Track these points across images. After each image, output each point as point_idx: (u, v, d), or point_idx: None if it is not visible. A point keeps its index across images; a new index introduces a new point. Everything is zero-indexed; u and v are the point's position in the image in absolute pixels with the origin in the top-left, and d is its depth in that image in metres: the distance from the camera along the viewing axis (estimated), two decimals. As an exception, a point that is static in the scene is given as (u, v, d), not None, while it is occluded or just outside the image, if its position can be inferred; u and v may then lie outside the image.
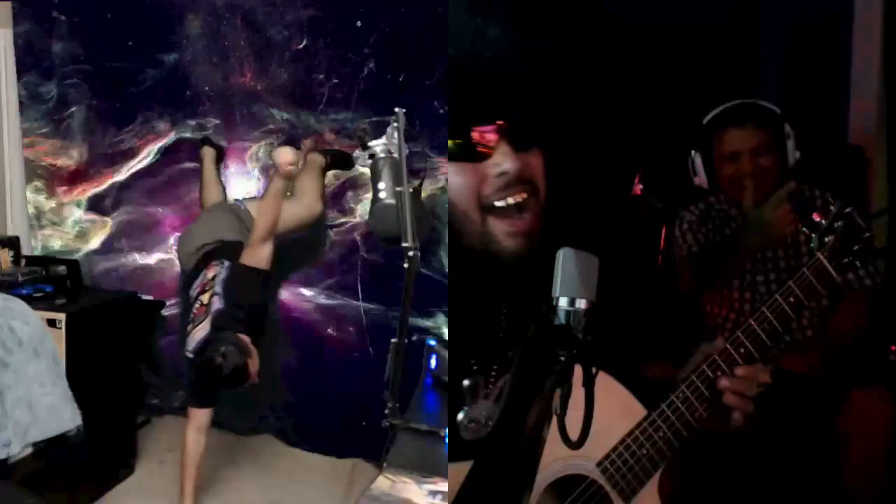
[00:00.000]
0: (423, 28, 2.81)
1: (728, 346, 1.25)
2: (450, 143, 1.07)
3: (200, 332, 2.43)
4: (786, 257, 2.15)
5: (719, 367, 1.23)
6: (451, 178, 1.07)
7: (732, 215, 2.24)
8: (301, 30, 2.97)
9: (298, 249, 2.85)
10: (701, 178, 2.23)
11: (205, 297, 2.49)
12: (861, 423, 1.92)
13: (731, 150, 2.13)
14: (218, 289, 2.49)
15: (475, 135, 1.06)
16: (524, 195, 1.08)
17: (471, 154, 1.06)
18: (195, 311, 2.50)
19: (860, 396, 1.97)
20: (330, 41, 2.95)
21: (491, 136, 1.06)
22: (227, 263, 2.55)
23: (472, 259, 1.10)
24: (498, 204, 1.07)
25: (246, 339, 2.38)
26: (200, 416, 2.49)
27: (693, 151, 2.24)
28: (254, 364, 2.36)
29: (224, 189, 3.05)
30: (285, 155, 2.52)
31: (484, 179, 1.07)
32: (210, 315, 2.43)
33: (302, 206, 2.76)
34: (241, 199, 2.97)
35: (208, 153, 3.05)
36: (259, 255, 2.49)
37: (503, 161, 1.06)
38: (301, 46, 2.98)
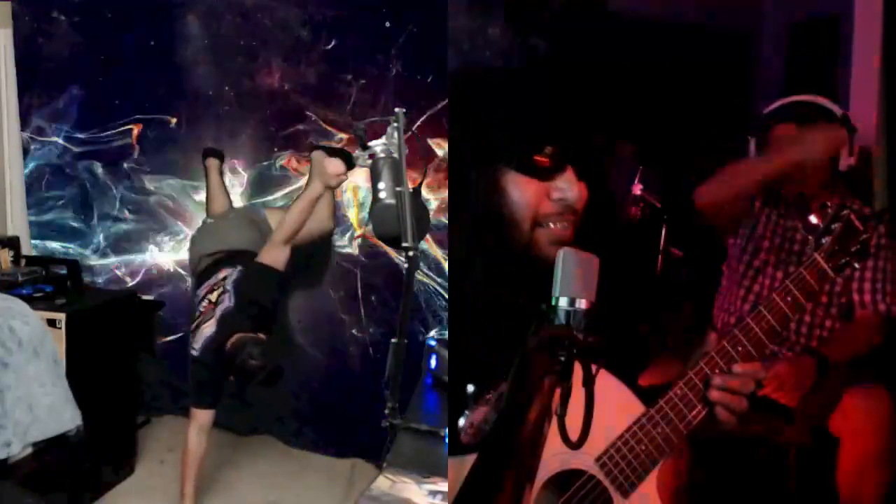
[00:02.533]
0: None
1: (726, 344, 1.26)
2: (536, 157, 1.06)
3: (208, 329, 2.44)
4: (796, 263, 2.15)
5: (717, 366, 1.24)
6: (511, 189, 1.07)
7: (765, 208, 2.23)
8: (330, 30, 2.96)
9: (303, 268, 2.83)
10: None
11: (213, 296, 2.50)
12: (854, 423, 1.92)
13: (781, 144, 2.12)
14: (229, 286, 2.49)
15: (547, 151, 1.06)
16: (568, 223, 1.09)
17: (536, 171, 1.06)
18: (202, 308, 2.51)
19: (852, 396, 1.97)
20: (358, 42, 2.94)
21: (561, 159, 1.06)
22: (239, 266, 2.55)
23: (510, 261, 1.10)
24: (550, 226, 1.08)
25: (263, 337, 2.39)
26: (202, 417, 2.49)
27: (749, 137, 2.24)
28: (278, 356, 2.39)
29: (229, 197, 3.04)
30: (337, 166, 2.48)
31: (543, 199, 1.07)
32: (218, 312, 2.44)
33: (314, 221, 2.72)
34: (259, 205, 2.95)
35: (213, 164, 3.03)
36: (277, 256, 2.49)
37: (567, 188, 1.06)
38: (329, 47, 2.97)
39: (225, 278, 2.54)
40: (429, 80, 2.87)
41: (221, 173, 3.05)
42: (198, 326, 2.48)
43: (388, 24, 2.88)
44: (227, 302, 2.46)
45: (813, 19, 3.35)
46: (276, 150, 3.12)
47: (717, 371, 1.23)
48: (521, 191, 1.07)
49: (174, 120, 3.18)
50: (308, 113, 3.03)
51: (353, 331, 3.04)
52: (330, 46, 2.95)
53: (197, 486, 2.53)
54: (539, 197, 1.07)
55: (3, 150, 3.29)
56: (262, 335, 2.40)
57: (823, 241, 1.33)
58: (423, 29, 2.83)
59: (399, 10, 2.86)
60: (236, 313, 2.43)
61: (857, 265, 1.34)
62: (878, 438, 1.89)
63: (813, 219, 1.37)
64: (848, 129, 2.11)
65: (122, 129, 3.20)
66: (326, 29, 2.95)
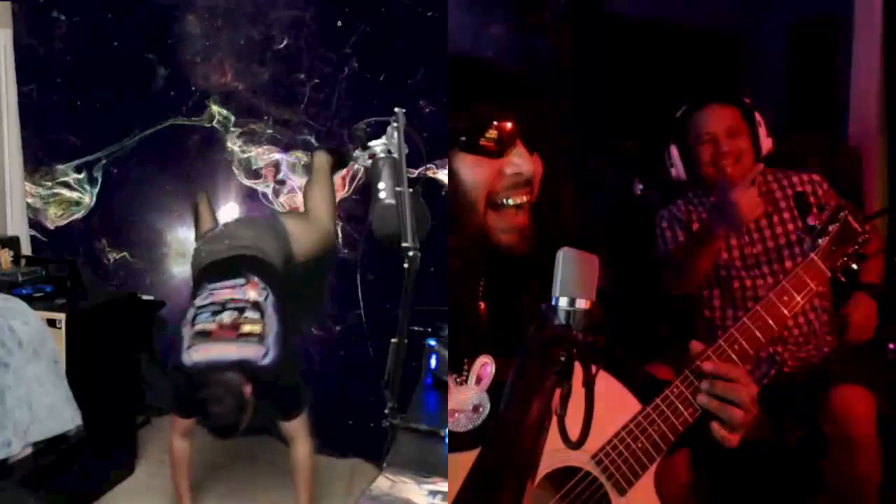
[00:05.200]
0: (404, 27, 2.81)
1: (722, 343, 1.26)
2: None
3: (223, 352, 2.19)
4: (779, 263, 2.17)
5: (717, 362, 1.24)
6: (462, 171, 1.10)
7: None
8: (282, 30, 2.96)
9: (303, 291, 2.69)
10: (678, 170, 2.26)
11: (229, 318, 2.24)
12: (840, 422, 1.93)
13: (707, 130, 2.17)
14: (269, 316, 2.27)
15: (493, 132, 1.09)
16: (525, 197, 1.12)
17: (486, 150, 1.10)
18: (213, 325, 2.23)
19: (839, 394, 1.98)
20: (311, 41, 2.93)
21: (509, 135, 1.10)
22: (271, 293, 2.33)
23: (470, 250, 1.13)
24: (506, 202, 1.11)
25: (248, 392, 2.19)
26: (182, 424, 2.35)
27: (669, 144, 2.26)
28: (246, 419, 2.20)
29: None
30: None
31: (498, 176, 1.10)
32: (245, 347, 2.21)
33: (315, 228, 2.59)
34: (277, 211, 2.88)
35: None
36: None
37: (521, 162, 1.10)
38: (282, 46, 2.97)
39: (257, 305, 2.28)
40: (381, 78, 2.87)
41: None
42: (204, 337, 2.22)
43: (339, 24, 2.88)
44: (258, 345, 2.21)
45: (813, 19, 3.36)
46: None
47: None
48: (472, 170, 1.10)
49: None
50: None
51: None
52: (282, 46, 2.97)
53: (190, 485, 2.47)
54: (491, 174, 1.10)
55: (3, 150, 3.29)
56: (247, 388, 2.19)
57: (820, 241, 1.34)
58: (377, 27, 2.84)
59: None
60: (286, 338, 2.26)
61: (854, 266, 1.35)
62: (865, 435, 1.91)
63: (811, 220, 1.38)
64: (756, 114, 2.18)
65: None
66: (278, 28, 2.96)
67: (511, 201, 1.11)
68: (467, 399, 1.16)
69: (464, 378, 1.17)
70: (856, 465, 1.88)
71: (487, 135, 1.09)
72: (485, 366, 1.18)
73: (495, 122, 1.09)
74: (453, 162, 1.11)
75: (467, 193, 1.10)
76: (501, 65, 1.12)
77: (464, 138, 1.09)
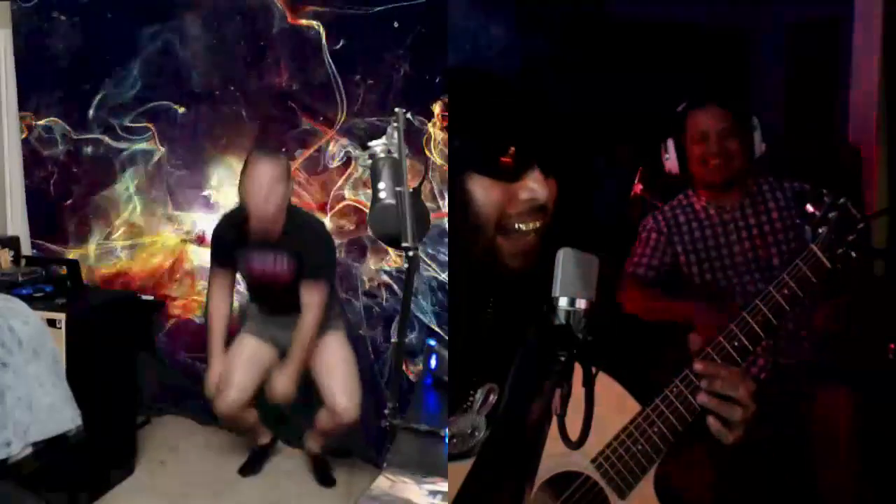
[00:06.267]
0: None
1: (721, 339, 1.24)
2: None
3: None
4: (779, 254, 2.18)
5: (713, 361, 1.23)
6: (475, 192, 1.05)
7: (697, 209, 2.28)
8: (339, 30, 2.92)
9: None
10: (672, 162, 2.29)
11: None
12: (824, 425, 1.94)
13: (700, 129, 2.21)
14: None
15: (511, 153, 1.04)
16: (539, 222, 1.07)
17: (501, 173, 1.05)
18: None
19: (822, 398, 1.99)
20: (366, 42, 2.89)
21: (526, 159, 1.05)
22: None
23: (473, 269, 1.10)
24: (518, 227, 1.06)
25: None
26: (221, 276, 2.62)
27: (667, 138, 2.30)
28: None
29: None
30: None
31: (511, 200, 1.05)
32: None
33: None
34: None
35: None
36: None
37: (537, 188, 1.05)
38: (338, 47, 2.94)
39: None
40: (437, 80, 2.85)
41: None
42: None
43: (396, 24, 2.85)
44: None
45: (813, 19, 3.36)
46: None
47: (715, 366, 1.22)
48: (486, 193, 1.05)
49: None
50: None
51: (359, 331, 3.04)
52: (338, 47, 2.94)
53: (223, 346, 2.63)
54: (505, 198, 1.05)
55: (3, 151, 3.29)
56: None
57: (821, 230, 1.30)
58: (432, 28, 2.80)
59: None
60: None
61: (854, 254, 1.30)
62: (846, 434, 1.91)
63: (809, 208, 1.34)
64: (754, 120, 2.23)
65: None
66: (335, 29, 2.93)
67: (523, 227, 1.06)
68: (466, 424, 1.15)
69: (468, 405, 1.16)
70: (842, 460, 1.90)
71: (504, 157, 1.04)
72: (489, 392, 1.16)
73: (512, 145, 1.04)
74: (463, 182, 1.05)
75: (477, 216, 1.05)
76: (509, 78, 1.07)
77: (478, 157, 1.04)
